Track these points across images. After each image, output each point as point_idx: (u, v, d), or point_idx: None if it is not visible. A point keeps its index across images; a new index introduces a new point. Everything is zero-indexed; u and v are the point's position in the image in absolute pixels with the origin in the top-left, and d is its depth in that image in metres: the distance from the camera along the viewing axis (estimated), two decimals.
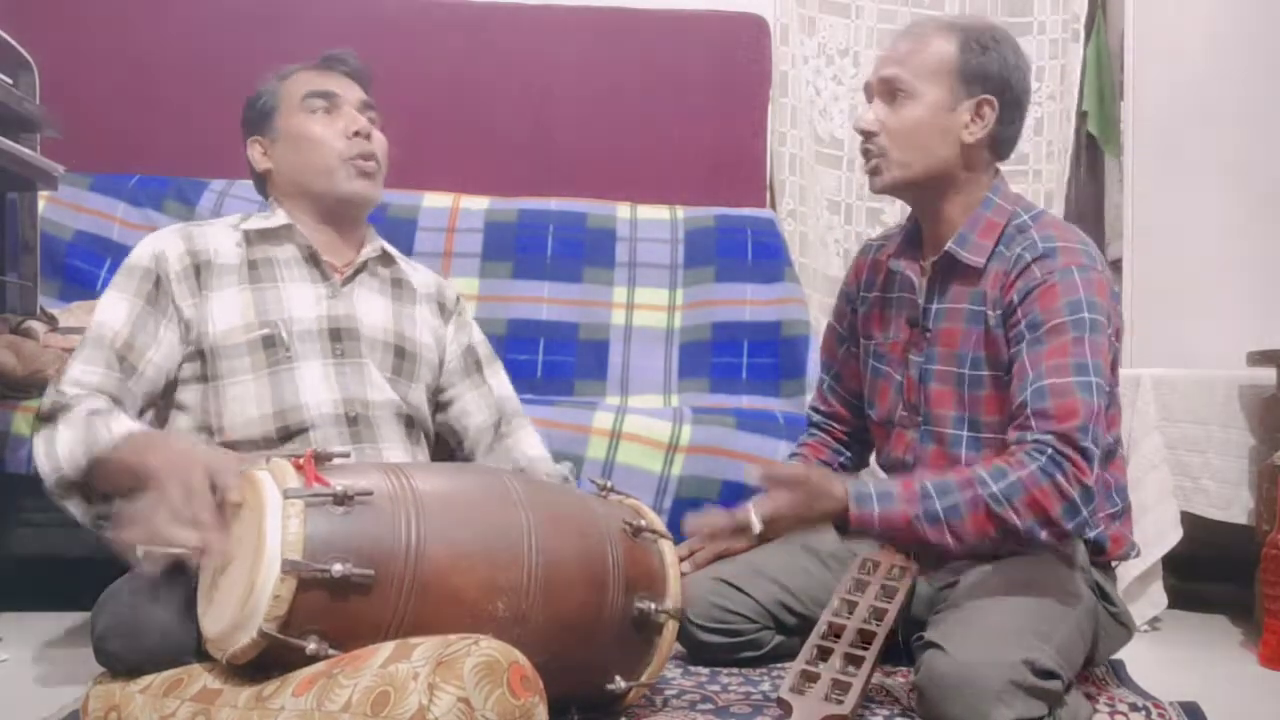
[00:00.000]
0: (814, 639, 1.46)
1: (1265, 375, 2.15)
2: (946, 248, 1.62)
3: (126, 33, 2.94)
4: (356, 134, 1.63)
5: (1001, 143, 1.64)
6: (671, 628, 1.36)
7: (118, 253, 2.49)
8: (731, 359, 2.72)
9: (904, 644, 1.54)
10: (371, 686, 1.03)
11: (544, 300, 2.78)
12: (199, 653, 1.26)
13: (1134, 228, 3.23)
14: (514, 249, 2.83)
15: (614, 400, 2.62)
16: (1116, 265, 3.13)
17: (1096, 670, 1.69)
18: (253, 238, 1.62)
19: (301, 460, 1.19)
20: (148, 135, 2.90)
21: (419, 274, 1.78)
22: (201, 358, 1.54)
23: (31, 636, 1.88)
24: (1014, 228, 1.61)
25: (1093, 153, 3.51)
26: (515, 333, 2.72)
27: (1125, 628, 1.66)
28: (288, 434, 1.52)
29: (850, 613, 1.50)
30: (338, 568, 1.11)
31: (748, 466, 1.63)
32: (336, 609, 1.12)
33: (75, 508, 1.41)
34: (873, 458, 1.90)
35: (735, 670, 1.66)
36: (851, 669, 1.39)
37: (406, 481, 1.22)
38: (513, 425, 1.79)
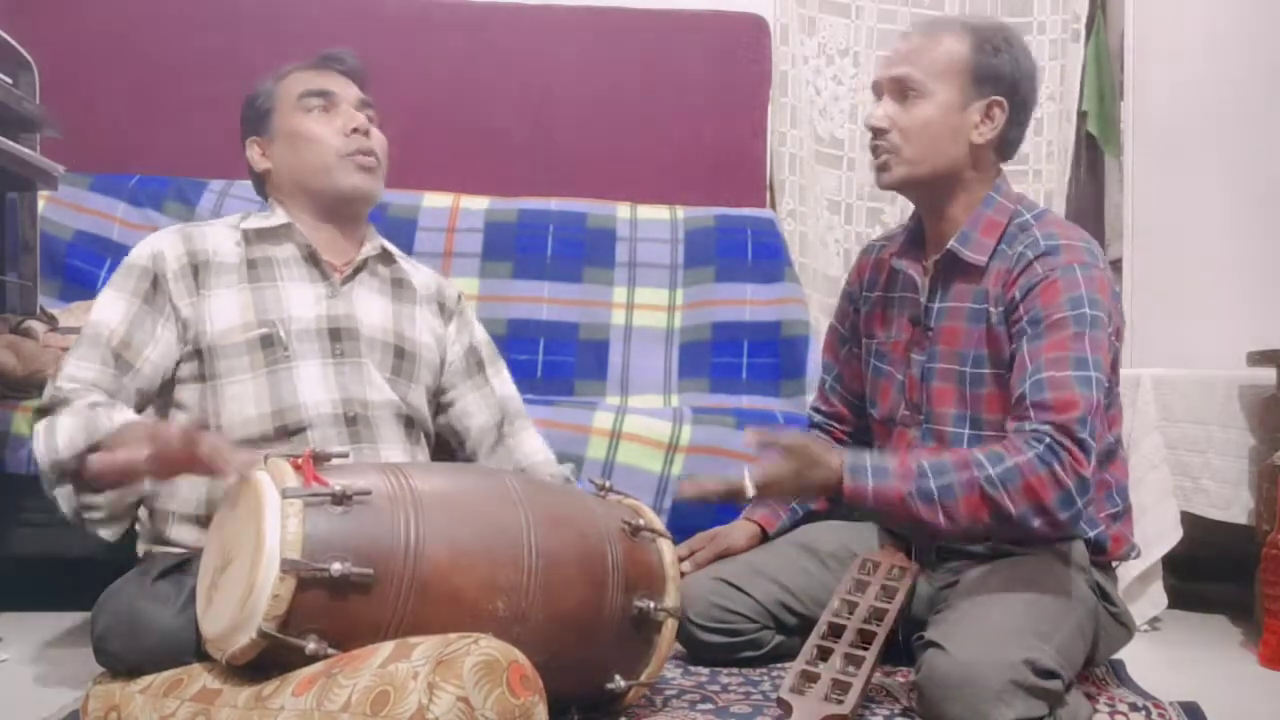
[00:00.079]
0: (814, 639, 1.46)
1: (1265, 375, 2.15)
2: (949, 246, 1.62)
3: (126, 33, 2.93)
4: (354, 131, 1.62)
5: (1007, 144, 1.65)
6: (671, 626, 1.37)
7: (118, 253, 2.48)
8: (731, 359, 2.72)
9: (904, 644, 1.54)
10: (371, 686, 1.03)
11: (544, 300, 2.78)
12: (199, 653, 1.27)
13: (1134, 228, 3.24)
14: (514, 249, 2.83)
15: (614, 400, 2.62)
16: (1116, 265, 3.13)
17: (1096, 670, 1.69)
18: (252, 237, 1.62)
19: (300, 460, 1.19)
20: (148, 135, 2.90)
21: (420, 274, 1.78)
22: (200, 357, 1.54)
23: (31, 636, 1.88)
24: (1016, 226, 1.61)
25: (1093, 153, 3.50)
26: (515, 333, 2.72)
27: (1125, 628, 1.66)
28: (285, 434, 1.51)
29: (850, 613, 1.50)
30: (337, 567, 1.11)
31: (747, 430, 1.63)
32: (336, 608, 1.12)
33: (63, 498, 1.41)
34: None
35: (735, 670, 1.66)
36: (851, 669, 1.39)
37: (405, 481, 1.22)
38: (515, 426, 1.79)
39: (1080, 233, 1.60)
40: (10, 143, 2.16)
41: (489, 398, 1.77)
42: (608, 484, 1.46)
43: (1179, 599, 2.21)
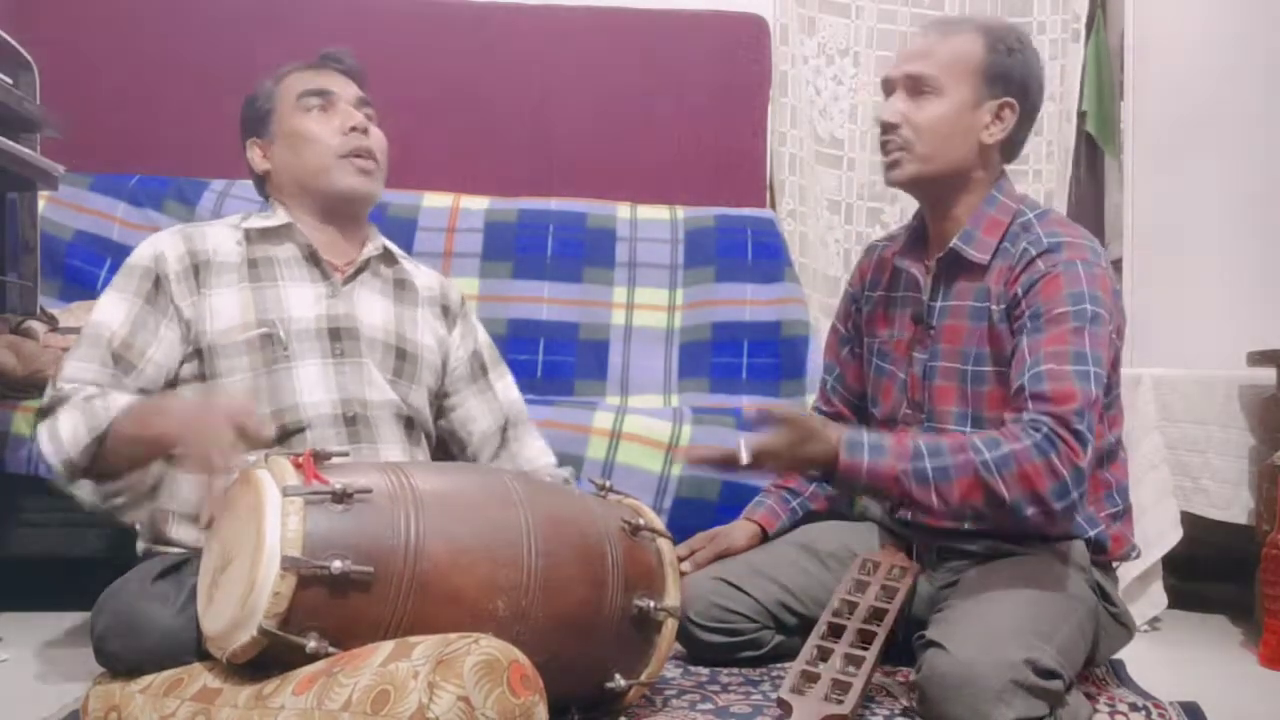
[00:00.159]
0: (814, 639, 1.46)
1: (1265, 375, 2.15)
2: (952, 244, 1.62)
3: (126, 33, 2.94)
4: (353, 129, 1.63)
5: (1014, 145, 1.66)
6: (671, 626, 1.37)
7: (118, 253, 2.49)
8: (731, 359, 2.71)
9: (904, 643, 1.54)
10: (371, 685, 1.03)
11: (544, 300, 2.78)
12: (199, 652, 1.27)
13: (1134, 228, 3.23)
14: (514, 249, 2.83)
15: (614, 400, 2.62)
16: (1116, 265, 3.13)
17: (1097, 670, 1.69)
18: (253, 236, 1.62)
19: (300, 458, 1.19)
20: (148, 135, 2.90)
21: (423, 275, 1.78)
22: (200, 356, 1.54)
23: (31, 636, 1.88)
24: (1019, 225, 1.61)
25: (1093, 153, 3.50)
26: (515, 333, 2.72)
27: (1126, 628, 1.66)
28: (285, 433, 1.52)
29: (850, 613, 1.50)
30: (337, 565, 1.11)
31: (746, 406, 1.63)
32: (336, 606, 1.12)
33: (84, 491, 1.43)
34: None
35: (735, 670, 1.66)
36: (852, 669, 1.39)
37: (406, 480, 1.22)
38: (518, 431, 1.79)
39: (1083, 231, 1.60)
40: (10, 143, 2.16)
41: (492, 402, 1.77)
42: (608, 484, 1.46)
43: (1179, 599, 2.21)
